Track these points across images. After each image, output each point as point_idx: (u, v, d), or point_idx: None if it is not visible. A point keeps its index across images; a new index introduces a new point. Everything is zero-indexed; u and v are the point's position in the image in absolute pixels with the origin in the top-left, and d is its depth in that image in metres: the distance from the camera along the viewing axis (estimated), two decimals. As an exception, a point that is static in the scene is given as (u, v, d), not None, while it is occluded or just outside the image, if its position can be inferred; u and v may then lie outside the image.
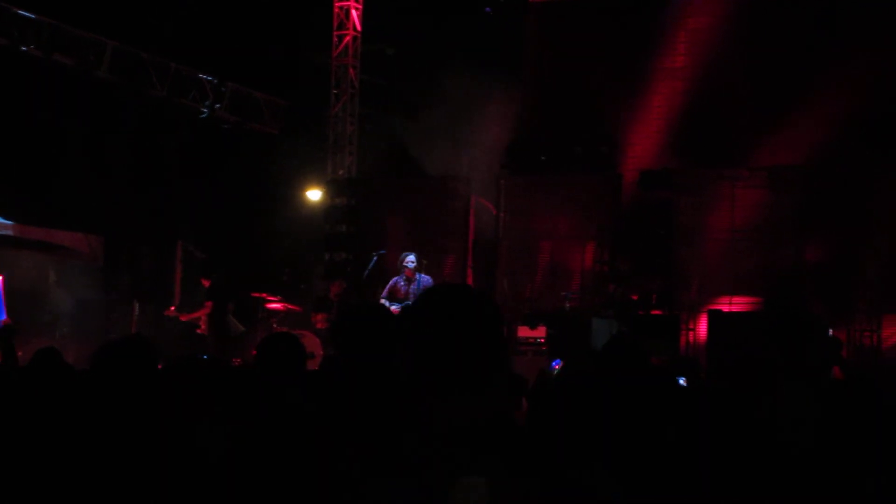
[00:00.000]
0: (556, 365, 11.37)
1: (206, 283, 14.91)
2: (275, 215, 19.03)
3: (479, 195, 17.68)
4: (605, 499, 2.21)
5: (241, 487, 3.32)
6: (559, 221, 16.91)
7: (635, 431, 2.86)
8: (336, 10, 19.21)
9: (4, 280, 14.33)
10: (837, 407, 3.62)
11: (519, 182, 17.30)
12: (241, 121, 19.11)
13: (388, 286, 13.61)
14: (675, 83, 17.36)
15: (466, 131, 17.76)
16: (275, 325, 15.40)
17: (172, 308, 16.01)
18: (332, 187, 18.55)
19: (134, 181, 17.37)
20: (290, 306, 16.04)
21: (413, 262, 13.38)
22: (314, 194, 19.14)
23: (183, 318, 15.18)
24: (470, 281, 17.14)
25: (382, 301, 13.34)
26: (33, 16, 15.83)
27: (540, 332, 14.24)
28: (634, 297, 15.29)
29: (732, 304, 15.49)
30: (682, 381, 6.55)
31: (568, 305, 15.44)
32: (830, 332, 11.13)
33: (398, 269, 13.66)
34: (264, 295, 15.97)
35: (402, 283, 13.47)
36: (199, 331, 14.79)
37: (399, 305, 12.87)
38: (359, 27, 19.25)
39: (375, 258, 14.88)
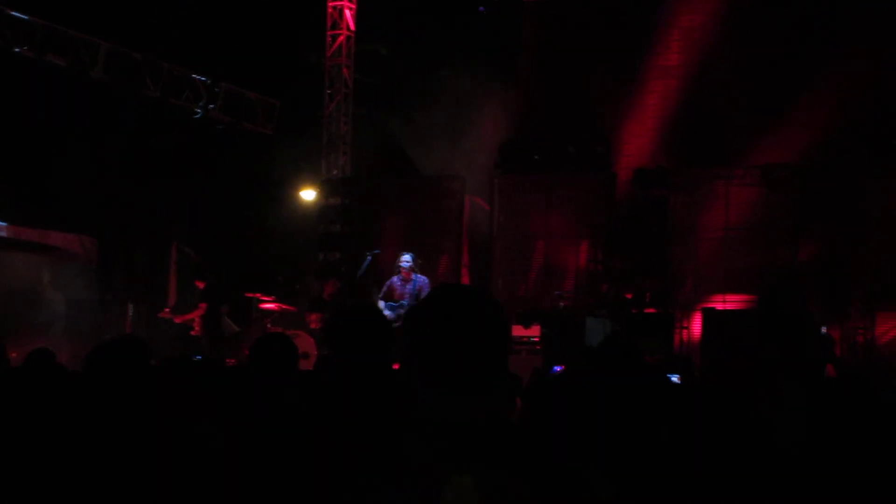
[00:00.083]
0: (558, 370, 11.37)
1: (201, 285, 14.93)
2: (269, 215, 19.00)
3: (474, 194, 17.69)
4: (599, 498, 2.21)
5: (235, 487, 3.32)
6: (553, 220, 16.91)
7: (628, 430, 2.86)
8: (330, 9, 19.22)
9: None
10: (830, 405, 3.62)
11: (513, 181, 17.29)
12: (235, 121, 19.09)
13: (384, 286, 13.61)
14: (670, 82, 17.38)
15: (461, 131, 17.75)
16: (269, 326, 15.39)
17: (167, 309, 16.03)
18: (327, 187, 18.55)
19: (128, 182, 17.33)
20: (284, 306, 16.03)
21: (408, 263, 13.36)
22: (308, 194, 19.12)
23: (177, 320, 15.19)
24: (465, 280, 17.15)
25: (378, 302, 13.36)
26: (26, 17, 15.81)
27: (534, 332, 14.24)
28: (628, 296, 15.32)
29: (726, 303, 15.51)
30: (675, 379, 6.57)
31: (562, 304, 15.45)
32: (823, 329, 11.16)
33: (395, 269, 13.67)
34: (258, 295, 15.96)
35: (398, 284, 13.47)
36: (193, 332, 14.79)
37: (392, 312, 12.89)
38: (352, 27, 19.25)
39: (369, 258, 14.86)
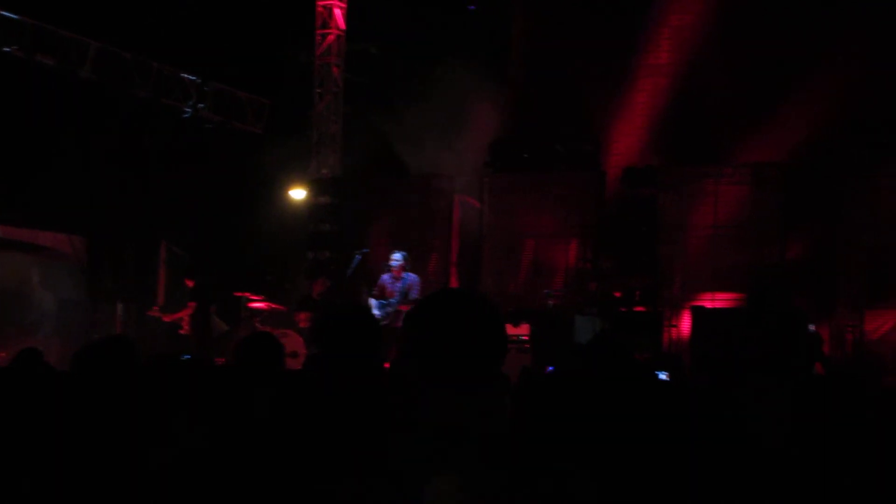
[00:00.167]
0: (551, 371, 11.38)
1: (190, 284, 14.92)
2: (259, 214, 18.97)
3: (463, 193, 17.68)
4: (584, 497, 2.22)
5: (221, 487, 3.32)
6: (543, 219, 16.91)
7: (615, 428, 2.87)
8: (319, 8, 19.20)
9: None
10: (819, 403, 3.63)
11: (502, 180, 17.29)
12: (225, 120, 19.07)
13: (377, 284, 13.71)
14: (659, 80, 17.42)
15: (451, 130, 17.75)
16: (258, 325, 15.38)
17: (156, 308, 16.01)
18: (317, 186, 18.53)
19: (117, 181, 17.30)
20: (273, 305, 16.01)
21: (398, 261, 13.45)
22: (298, 193, 19.11)
23: (166, 319, 15.19)
24: (454, 279, 17.15)
25: (370, 300, 13.48)
26: (15, 16, 15.77)
27: (523, 330, 14.24)
28: (617, 294, 15.33)
29: (715, 301, 15.53)
30: (662, 376, 6.58)
31: (551, 303, 15.46)
32: (812, 327, 11.18)
33: (384, 266, 13.73)
34: (248, 294, 15.94)
35: (389, 281, 13.55)
36: (182, 331, 14.79)
37: (381, 311, 13.01)
38: (342, 26, 19.23)
39: (359, 257, 14.87)
